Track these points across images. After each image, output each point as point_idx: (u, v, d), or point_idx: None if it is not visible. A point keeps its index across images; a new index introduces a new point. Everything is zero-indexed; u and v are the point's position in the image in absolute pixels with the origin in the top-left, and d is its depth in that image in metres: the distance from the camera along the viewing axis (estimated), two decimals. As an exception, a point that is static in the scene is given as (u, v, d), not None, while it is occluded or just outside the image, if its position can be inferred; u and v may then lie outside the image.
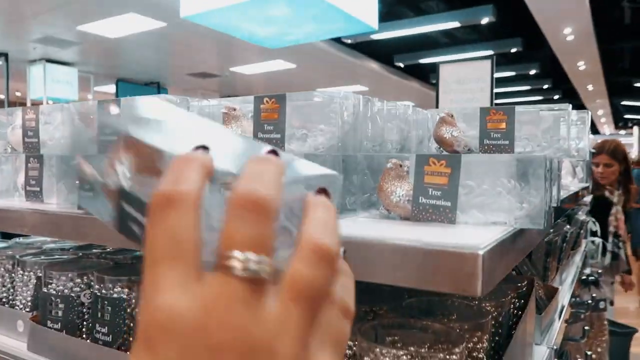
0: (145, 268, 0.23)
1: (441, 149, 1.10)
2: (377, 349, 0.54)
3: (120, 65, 8.07)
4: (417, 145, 1.17)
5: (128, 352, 0.87)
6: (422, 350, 0.55)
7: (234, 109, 0.94)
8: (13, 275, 1.06)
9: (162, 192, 0.24)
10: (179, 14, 2.95)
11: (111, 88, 9.20)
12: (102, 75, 8.57)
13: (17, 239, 1.26)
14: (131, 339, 0.88)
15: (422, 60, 8.14)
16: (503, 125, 1.07)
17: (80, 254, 1.13)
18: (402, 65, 8.88)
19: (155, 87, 8.91)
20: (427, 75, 9.73)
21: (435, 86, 3.70)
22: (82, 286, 0.95)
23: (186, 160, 0.26)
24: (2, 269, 1.07)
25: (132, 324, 0.89)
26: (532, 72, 9.41)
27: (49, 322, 0.94)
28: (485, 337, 0.62)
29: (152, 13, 5.35)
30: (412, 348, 0.54)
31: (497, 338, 0.72)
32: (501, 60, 7.97)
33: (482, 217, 0.74)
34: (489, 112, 1.09)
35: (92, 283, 0.94)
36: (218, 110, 0.99)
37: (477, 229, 0.68)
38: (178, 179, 0.25)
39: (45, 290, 0.95)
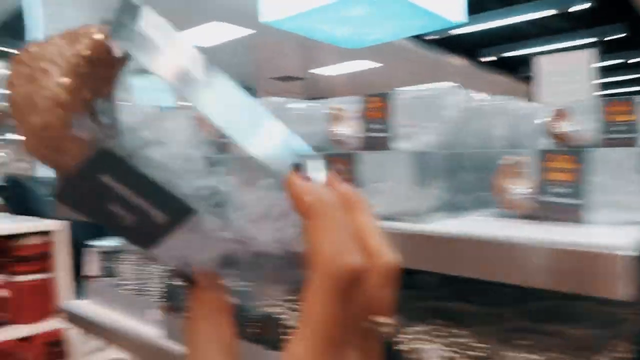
0: (312, 338, 0.23)
1: (557, 143, 1.04)
2: (512, 354, 0.51)
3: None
4: (527, 140, 1.11)
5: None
6: (563, 356, 0.52)
7: (339, 109, 0.95)
8: (143, 268, 1.16)
9: (354, 268, 0.23)
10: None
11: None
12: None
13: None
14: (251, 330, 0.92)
15: (510, 53, 7.74)
16: (627, 117, 0.99)
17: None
18: (489, 59, 8.51)
19: (247, 92, 9.27)
20: (516, 69, 9.23)
21: (531, 79, 3.50)
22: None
23: (335, 210, 0.25)
24: (134, 263, 1.18)
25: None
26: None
27: (179, 311, 1.01)
28: (630, 347, 0.57)
29: (239, 21, 5.58)
30: (550, 353, 0.51)
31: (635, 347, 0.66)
32: (601, 49, 7.37)
33: (613, 216, 0.69)
34: (609, 103, 1.01)
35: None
36: (318, 111, 1.00)
37: (613, 228, 0.63)
38: (348, 245, 0.24)
39: (174, 283, 1.03)
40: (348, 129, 0.94)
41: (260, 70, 8.32)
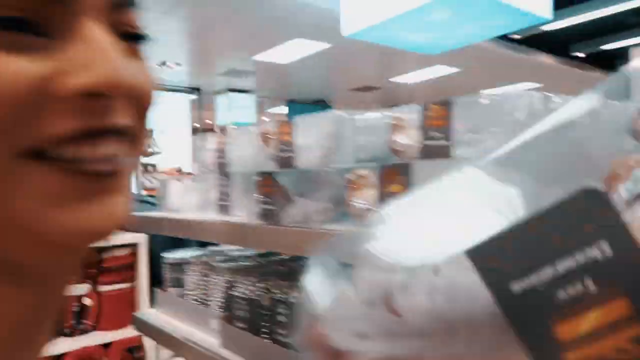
0: None
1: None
2: None
3: (290, 87, 8.76)
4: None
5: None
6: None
7: (401, 119, 0.93)
8: (207, 279, 1.20)
9: None
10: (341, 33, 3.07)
11: (283, 109, 10.05)
12: (275, 98, 9.42)
13: (210, 247, 1.44)
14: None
15: (606, 47, 7.14)
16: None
17: (263, 261, 1.24)
18: (580, 55, 7.91)
19: (322, 105, 9.44)
20: (613, 63, 8.48)
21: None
22: (264, 290, 1.03)
23: None
24: (199, 274, 1.22)
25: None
26: None
27: (236, 322, 1.04)
28: None
29: (317, 36, 5.69)
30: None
31: None
32: None
33: None
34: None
35: (270, 288, 1.01)
36: (381, 122, 0.99)
37: None
38: None
39: (233, 293, 1.06)
40: (407, 138, 0.92)
41: (339, 82, 8.42)
